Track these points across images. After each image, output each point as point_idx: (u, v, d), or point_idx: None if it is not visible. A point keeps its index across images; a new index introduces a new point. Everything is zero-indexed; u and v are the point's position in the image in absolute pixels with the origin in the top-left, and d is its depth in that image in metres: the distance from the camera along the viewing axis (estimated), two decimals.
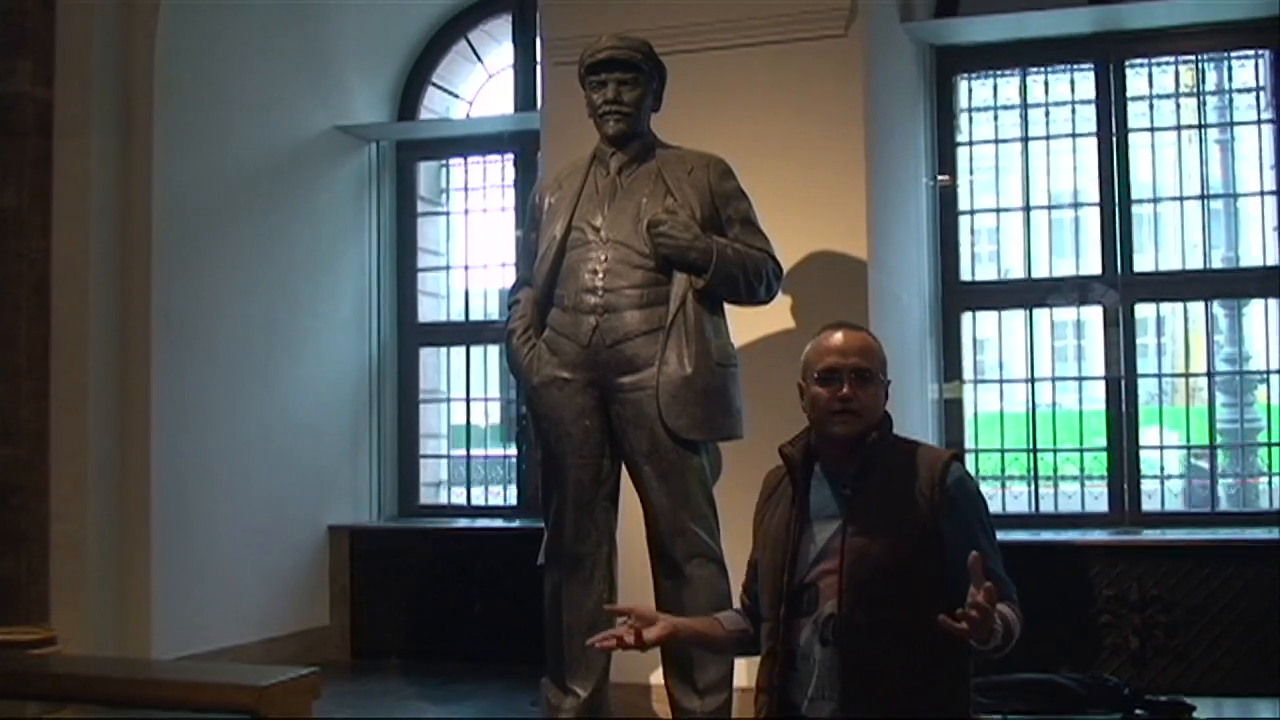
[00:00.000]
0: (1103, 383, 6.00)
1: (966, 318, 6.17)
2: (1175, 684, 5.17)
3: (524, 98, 7.01)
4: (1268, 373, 5.98)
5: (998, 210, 6.30)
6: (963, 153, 6.22)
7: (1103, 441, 5.97)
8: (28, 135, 5.45)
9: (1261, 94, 5.97)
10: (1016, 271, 6.31)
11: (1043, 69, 6.17)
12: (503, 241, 7.10)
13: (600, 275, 4.18)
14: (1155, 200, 6.09)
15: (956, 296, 6.13)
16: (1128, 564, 5.37)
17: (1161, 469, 5.94)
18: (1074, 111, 6.12)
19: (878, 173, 5.22)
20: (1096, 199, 6.02)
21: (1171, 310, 6.34)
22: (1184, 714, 4.69)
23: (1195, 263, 5.97)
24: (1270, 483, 5.91)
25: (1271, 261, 5.89)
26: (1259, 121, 5.95)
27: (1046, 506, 6.03)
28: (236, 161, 6.21)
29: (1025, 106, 6.19)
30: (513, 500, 7.01)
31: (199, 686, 3.89)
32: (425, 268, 7.27)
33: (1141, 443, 5.92)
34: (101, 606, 5.47)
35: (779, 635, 2.90)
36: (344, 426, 6.86)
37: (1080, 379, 6.27)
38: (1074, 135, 6.12)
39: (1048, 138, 6.16)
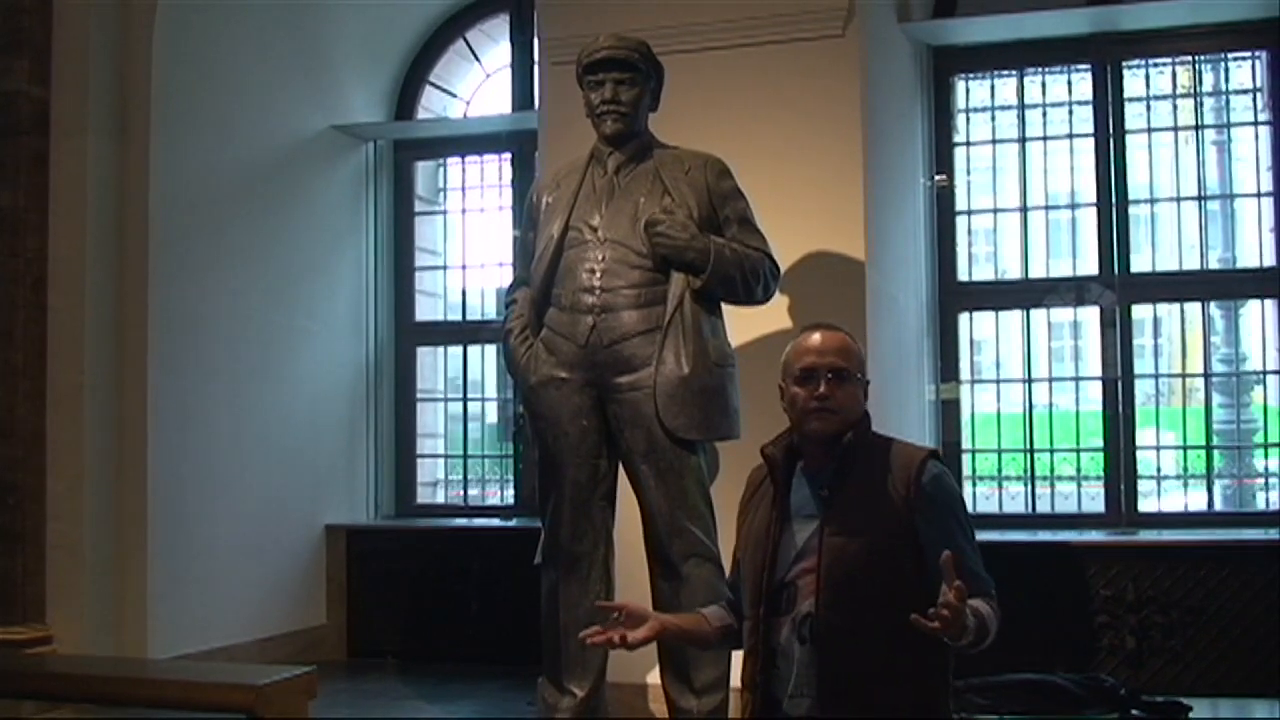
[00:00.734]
0: (1099, 383, 6.00)
1: (964, 318, 6.17)
2: (1172, 684, 5.17)
3: (521, 97, 7.01)
4: (1264, 373, 5.98)
5: (995, 211, 6.30)
6: (960, 153, 6.22)
7: (1099, 442, 5.97)
8: (24, 134, 5.45)
9: (1258, 95, 5.97)
10: (1013, 272, 6.31)
11: (1040, 70, 6.17)
12: (500, 241, 7.10)
13: (598, 275, 4.18)
14: (1152, 201, 6.09)
15: (953, 297, 6.13)
16: (1124, 564, 5.37)
17: (1158, 469, 5.94)
18: (1071, 112, 6.12)
19: (875, 173, 5.22)
20: (1093, 200, 6.03)
21: (1168, 311, 6.33)
22: (1180, 714, 4.69)
23: (1192, 264, 5.98)
24: (1266, 483, 5.91)
25: (1268, 262, 5.89)
26: (1256, 123, 5.95)
27: (1043, 507, 6.03)
28: (233, 160, 6.21)
29: (1022, 107, 6.19)
30: (510, 500, 7.00)
31: (195, 686, 3.90)
32: (422, 267, 7.26)
33: (1138, 443, 5.92)
34: (97, 606, 5.47)
35: (759, 633, 2.94)
36: (341, 426, 6.86)
37: (1077, 379, 6.27)
38: (1071, 136, 6.12)
39: (1045, 138, 6.16)
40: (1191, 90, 6.07)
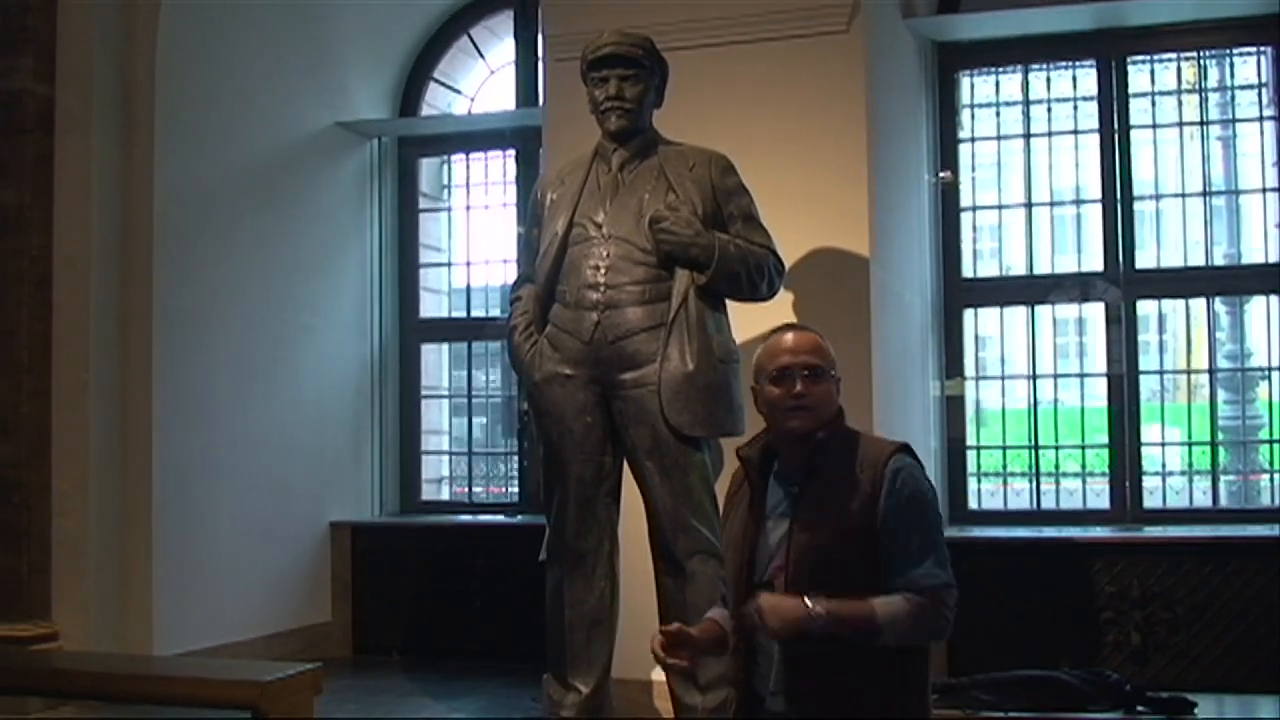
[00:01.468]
0: (1104, 379, 5.99)
1: (968, 314, 6.16)
2: (1177, 681, 5.16)
3: (526, 94, 7.01)
4: (1269, 369, 5.97)
5: (999, 207, 6.30)
6: (965, 149, 6.22)
7: (1104, 438, 5.97)
8: (29, 132, 5.45)
9: (1263, 90, 5.96)
10: (1018, 268, 6.31)
11: (1045, 65, 6.16)
12: (504, 238, 7.10)
13: (602, 271, 4.18)
14: (1157, 197, 6.08)
15: (958, 293, 6.13)
16: (1129, 561, 5.37)
17: (1163, 465, 5.94)
18: (1076, 108, 6.12)
19: (880, 169, 5.22)
20: (1098, 195, 6.02)
21: (1173, 307, 6.32)
22: (1185, 711, 4.68)
23: (1197, 259, 5.96)
24: (1272, 479, 5.90)
25: (1273, 258, 5.88)
26: (1261, 118, 5.94)
27: (1048, 503, 6.03)
28: (238, 158, 6.21)
29: (1027, 103, 6.19)
30: (514, 496, 7.01)
31: (200, 683, 3.89)
32: (427, 264, 7.27)
33: (1143, 439, 5.92)
34: (103, 603, 5.48)
35: (742, 631, 2.96)
36: (345, 422, 6.86)
37: (1082, 376, 6.27)
38: (1076, 132, 6.11)
39: (1050, 134, 6.15)
40: (1196, 86, 6.06)
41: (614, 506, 4.33)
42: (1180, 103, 6.04)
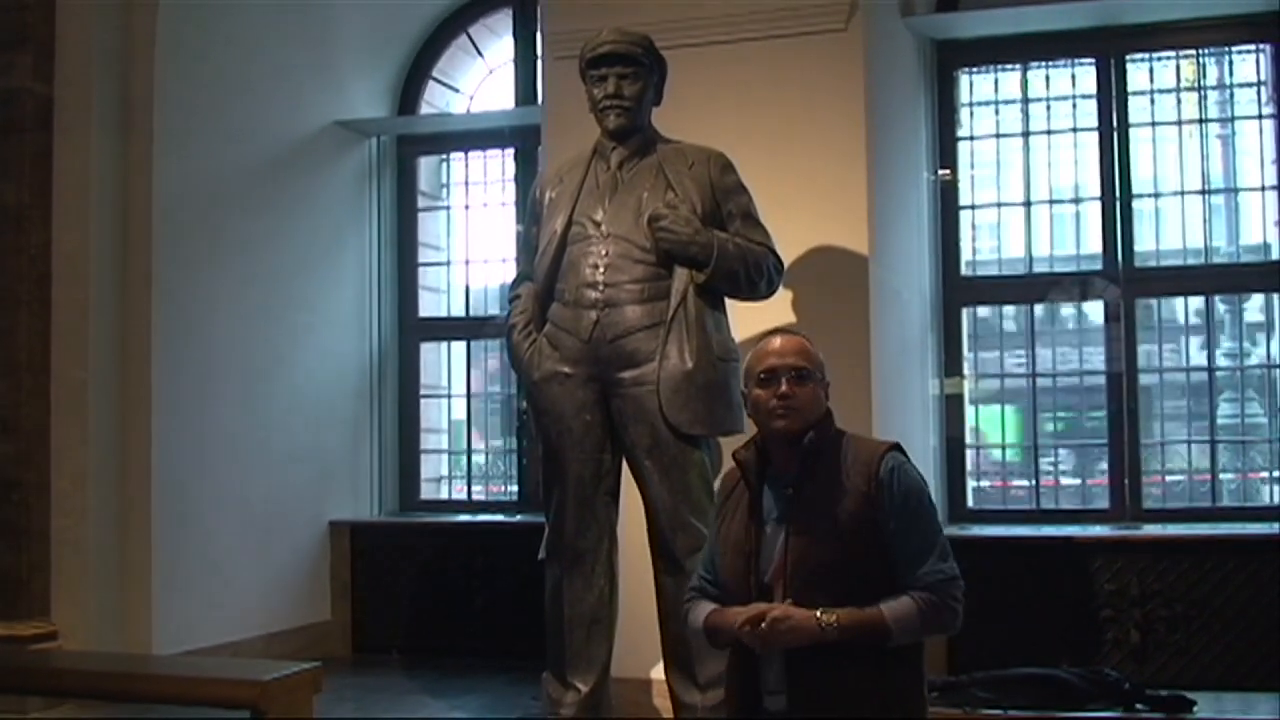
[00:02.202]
0: (1104, 377, 5.99)
1: (967, 312, 6.16)
2: (1176, 679, 5.17)
3: (524, 92, 7.01)
4: (1269, 367, 5.97)
5: (999, 205, 6.29)
6: (964, 147, 6.21)
7: (1104, 437, 5.96)
8: (28, 130, 5.45)
9: (1262, 88, 5.96)
10: (1017, 267, 6.30)
11: (1044, 63, 6.15)
12: (503, 236, 7.10)
13: (601, 270, 4.18)
14: (1156, 195, 6.07)
15: (957, 291, 6.12)
16: (1128, 559, 5.37)
17: (1162, 464, 5.94)
18: (1075, 106, 6.11)
19: (879, 167, 5.22)
20: (1098, 193, 6.01)
21: (1172, 305, 6.32)
22: (1185, 709, 4.68)
23: (1196, 257, 5.96)
24: (1271, 477, 5.90)
25: (1273, 256, 5.88)
26: (1260, 116, 5.93)
27: (1047, 502, 6.03)
28: (237, 156, 6.21)
29: (1026, 101, 6.18)
30: (514, 495, 7.01)
31: (200, 682, 3.89)
32: (426, 263, 7.27)
33: (1142, 438, 5.92)
34: (102, 602, 5.48)
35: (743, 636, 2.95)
36: (345, 421, 6.86)
37: (1081, 374, 6.26)
38: (1075, 130, 6.10)
39: (1049, 132, 6.15)
40: (1195, 84, 6.06)
41: (613, 505, 4.33)
42: (1179, 100, 6.03)
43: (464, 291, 7.27)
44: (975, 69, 6.22)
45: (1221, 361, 6.21)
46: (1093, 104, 6.03)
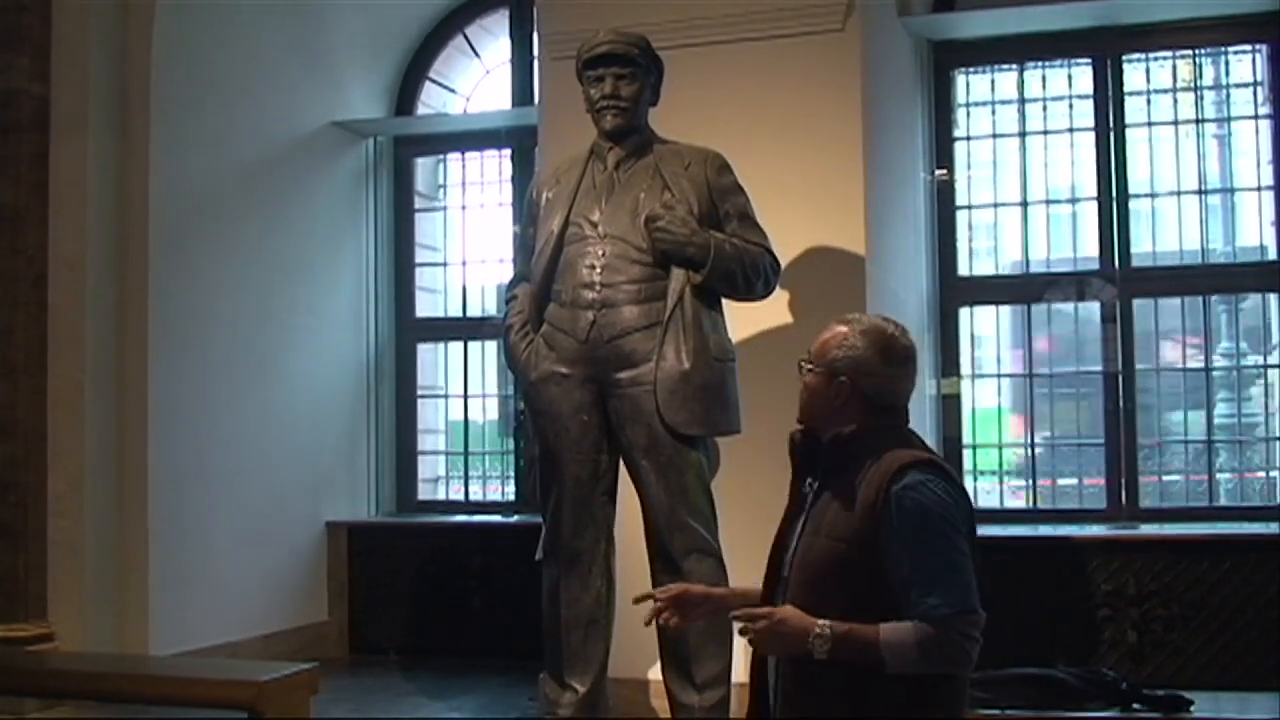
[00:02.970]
0: (1101, 377, 5.99)
1: (964, 313, 6.16)
2: (1173, 678, 5.17)
3: (521, 93, 7.00)
4: (1265, 367, 5.97)
5: (995, 205, 6.29)
6: (960, 147, 6.21)
7: (1101, 436, 5.96)
8: (25, 131, 5.44)
9: (1259, 88, 5.97)
10: (1014, 267, 6.30)
11: (1040, 63, 6.15)
12: (500, 237, 7.10)
13: (598, 270, 4.18)
14: (1153, 195, 6.08)
15: (954, 291, 6.12)
16: (1125, 559, 5.37)
17: (1159, 464, 5.94)
18: (1071, 106, 6.11)
19: (875, 167, 5.22)
20: (1094, 194, 6.02)
21: (1169, 304, 6.33)
22: (1182, 708, 4.68)
23: (1193, 257, 5.97)
24: (1268, 477, 5.91)
25: (1269, 256, 5.89)
26: (1256, 116, 5.94)
27: (1044, 502, 6.03)
28: (234, 157, 6.20)
29: (1023, 101, 6.18)
30: (510, 496, 7.00)
31: (197, 682, 3.90)
32: (423, 263, 7.26)
33: (1139, 437, 5.92)
34: (99, 603, 5.47)
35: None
36: (342, 422, 6.86)
37: (1078, 373, 6.26)
38: (1072, 130, 6.11)
39: (1045, 132, 6.15)
40: (1192, 84, 6.06)
41: (610, 505, 4.33)
42: (1176, 100, 6.04)
43: (461, 292, 7.26)
44: (972, 69, 6.23)
45: (1218, 361, 6.21)
46: (1089, 104, 6.04)
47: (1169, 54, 6.04)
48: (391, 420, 7.12)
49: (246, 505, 6.15)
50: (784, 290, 4.88)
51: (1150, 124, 6.04)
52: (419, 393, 7.20)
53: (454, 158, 7.31)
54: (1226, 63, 6.07)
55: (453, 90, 7.41)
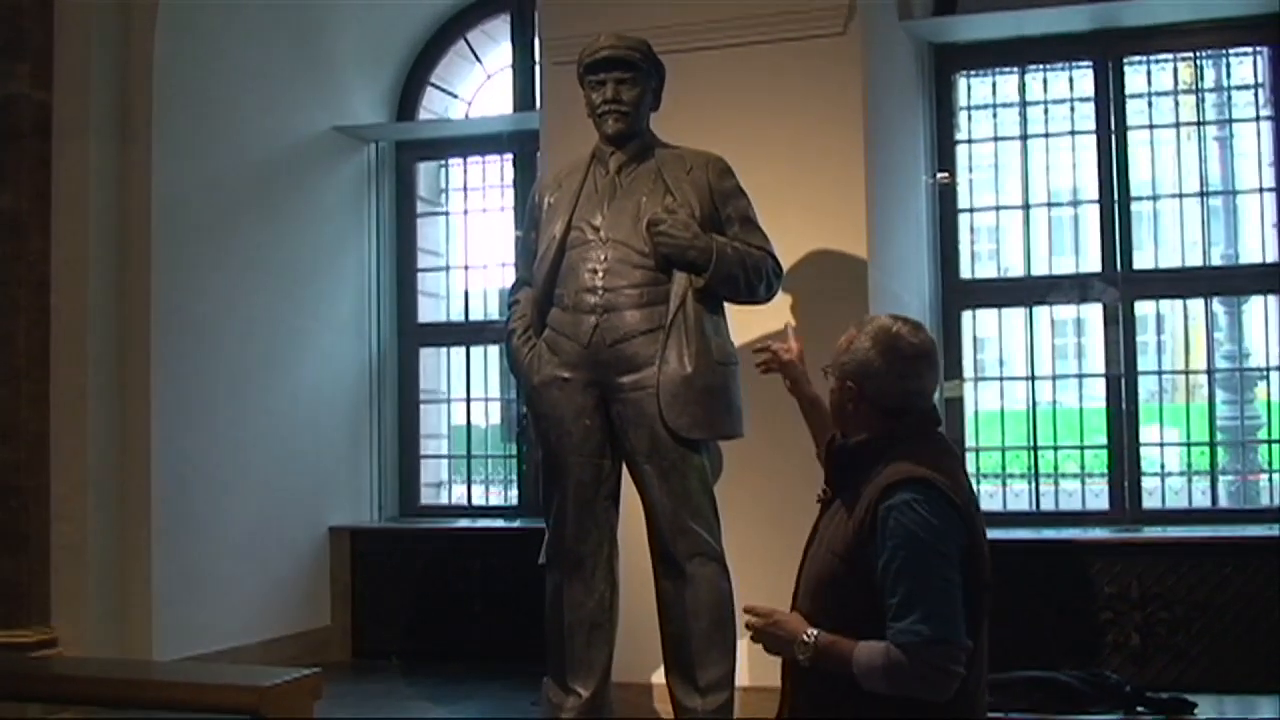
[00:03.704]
0: (1103, 380, 5.99)
1: (967, 316, 6.16)
2: (1176, 681, 5.17)
3: (523, 97, 7.01)
4: (1267, 369, 5.97)
5: (997, 208, 6.30)
6: (962, 150, 6.22)
7: (1103, 439, 5.96)
8: (27, 137, 5.45)
9: (1260, 91, 5.97)
10: (1016, 269, 6.31)
11: (1041, 66, 6.16)
12: (502, 241, 7.10)
13: (600, 275, 4.18)
14: (1154, 197, 6.08)
15: (956, 294, 6.13)
16: (1128, 561, 5.37)
17: (1162, 466, 5.94)
18: (1073, 109, 6.12)
19: (877, 171, 5.22)
20: (1096, 196, 6.02)
21: (1171, 307, 6.33)
22: (1185, 711, 4.69)
23: (1195, 260, 5.97)
24: (1270, 479, 5.91)
25: (1271, 258, 5.88)
26: (1258, 118, 5.94)
27: (1047, 504, 6.03)
28: (236, 162, 6.21)
29: (1024, 104, 6.19)
30: (513, 500, 7.00)
31: (200, 687, 3.89)
32: (425, 268, 7.27)
33: (1142, 440, 5.92)
34: (102, 608, 5.47)
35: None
36: (344, 427, 6.86)
37: (1080, 376, 6.27)
38: (1073, 133, 6.11)
39: (1047, 135, 6.15)
40: (1193, 86, 6.07)
41: (613, 509, 4.33)
42: (1177, 103, 6.04)
43: (463, 297, 7.26)
44: (973, 72, 6.23)
45: (1220, 364, 6.21)
46: (1090, 107, 6.04)
47: (1170, 57, 6.04)
48: (394, 425, 7.12)
49: (249, 510, 6.16)
50: (786, 294, 4.88)
51: (1151, 126, 6.04)
52: (421, 397, 7.21)
53: (456, 163, 7.31)
54: (1227, 65, 6.07)
55: (455, 95, 7.42)
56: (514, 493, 7.02)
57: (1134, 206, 6.01)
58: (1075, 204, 6.24)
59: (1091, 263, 6.07)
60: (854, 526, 2.69)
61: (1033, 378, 6.13)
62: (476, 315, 7.20)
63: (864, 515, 2.67)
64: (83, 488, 5.45)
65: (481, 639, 6.44)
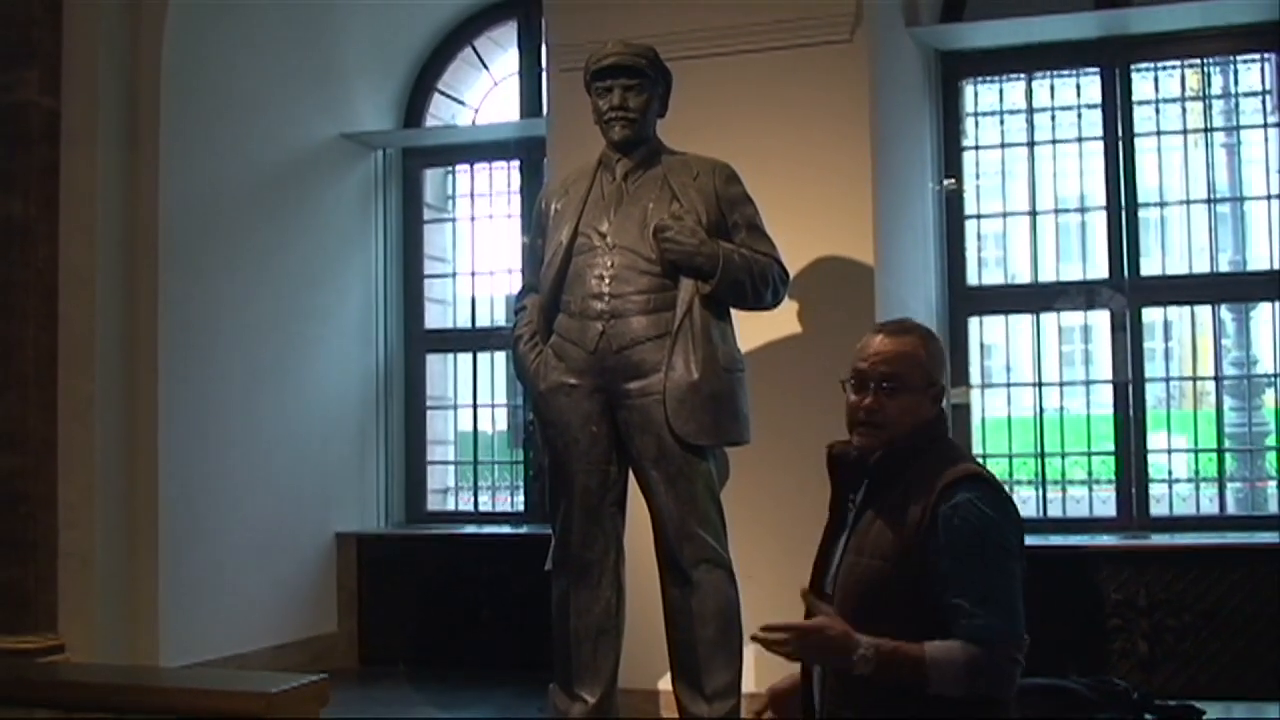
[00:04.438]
0: (1110, 387, 5.98)
1: (974, 322, 6.16)
2: (1185, 688, 5.16)
3: (529, 104, 7.02)
4: (1275, 376, 5.96)
5: (1004, 215, 6.29)
6: (969, 157, 6.21)
7: (1110, 446, 5.95)
8: (35, 144, 5.47)
9: (1267, 97, 5.96)
10: (1023, 276, 6.30)
11: (1048, 73, 6.16)
12: (509, 248, 7.11)
13: (607, 281, 4.18)
14: (1162, 204, 6.08)
15: (963, 301, 6.12)
16: (1136, 568, 5.36)
17: (1169, 473, 5.93)
18: (1080, 116, 6.11)
19: (884, 178, 5.22)
20: (1103, 203, 6.02)
21: (1179, 314, 6.31)
22: (1194, 718, 4.67)
23: (1202, 266, 5.96)
24: (1278, 486, 5.89)
25: (1278, 265, 5.87)
26: (1265, 125, 5.94)
27: (1055, 511, 6.02)
28: (243, 169, 6.22)
29: (1031, 111, 6.18)
30: (520, 506, 7.00)
31: (207, 694, 3.89)
32: (432, 274, 7.27)
33: (1149, 447, 5.91)
34: (109, 614, 5.48)
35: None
36: (351, 433, 6.86)
37: (1088, 383, 6.26)
38: (1080, 140, 6.11)
39: (1054, 142, 6.15)
40: (1200, 93, 6.06)
41: (620, 516, 4.33)
42: (1184, 110, 6.04)
43: (470, 303, 7.27)
44: (980, 79, 6.23)
45: (1228, 370, 6.20)
46: (1098, 114, 6.04)
47: (1177, 63, 6.04)
48: (401, 431, 7.13)
49: (256, 516, 6.16)
50: (793, 300, 4.88)
51: (1159, 133, 6.03)
52: (428, 404, 7.21)
53: (463, 169, 7.32)
54: (1235, 72, 6.07)
55: (461, 102, 7.43)
56: (521, 499, 7.02)
57: (1141, 213, 6.00)
58: (1082, 210, 6.23)
59: (1099, 269, 6.06)
60: (910, 530, 2.67)
61: (1040, 384, 6.12)
62: (483, 321, 7.21)
63: (920, 518, 2.66)
64: (90, 494, 5.46)
65: (488, 645, 6.43)
